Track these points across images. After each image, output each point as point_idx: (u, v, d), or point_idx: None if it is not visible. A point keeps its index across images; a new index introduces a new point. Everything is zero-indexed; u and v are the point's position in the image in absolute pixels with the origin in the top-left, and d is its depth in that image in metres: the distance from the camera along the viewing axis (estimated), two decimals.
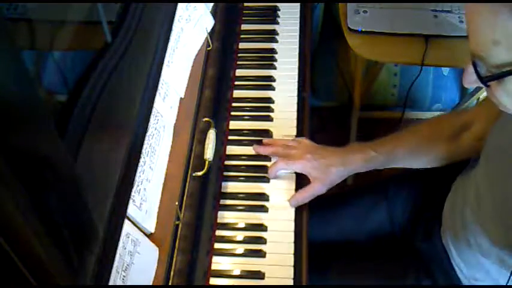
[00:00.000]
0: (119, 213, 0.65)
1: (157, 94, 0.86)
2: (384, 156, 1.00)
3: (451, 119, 1.01)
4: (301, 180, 1.02)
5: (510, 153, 0.84)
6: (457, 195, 1.02)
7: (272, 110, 1.12)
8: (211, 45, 1.12)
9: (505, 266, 0.89)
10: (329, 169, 0.99)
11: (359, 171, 1.01)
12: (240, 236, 0.96)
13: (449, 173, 1.09)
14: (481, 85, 0.70)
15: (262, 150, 1.04)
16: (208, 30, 1.12)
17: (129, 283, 0.73)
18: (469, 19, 0.66)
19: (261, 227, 0.97)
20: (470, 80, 0.71)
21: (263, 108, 1.12)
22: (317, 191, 1.00)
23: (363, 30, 1.39)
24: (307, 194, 0.99)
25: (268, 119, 1.11)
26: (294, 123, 1.10)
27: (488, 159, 0.90)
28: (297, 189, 1.01)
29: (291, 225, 0.97)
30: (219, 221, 0.97)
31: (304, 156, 1.00)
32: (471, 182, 0.96)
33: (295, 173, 1.03)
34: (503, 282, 0.93)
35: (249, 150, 1.06)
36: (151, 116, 0.84)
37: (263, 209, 0.99)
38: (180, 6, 1.01)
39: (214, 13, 1.16)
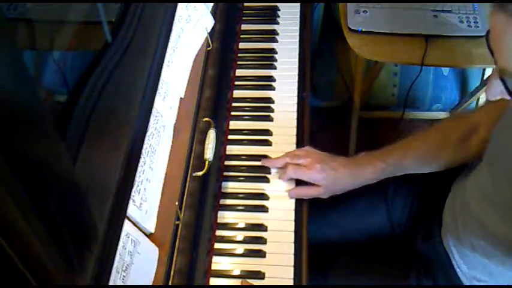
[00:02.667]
0: (119, 213, 0.65)
1: (157, 94, 0.86)
2: (393, 166, 1.00)
3: (459, 123, 1.01)
4: (301, 180, 1.02)
5: None
6: (456, 198, 1.02)
7: (272, 110, 1.12)
8: (211, 45, 1.12)
9: (510, 267, 0.89)
10: (338, 182, 1.00)
11: (368, 183, 1.02)
12: (240, 236, 0.96)
13: (449, 174, 1.09)
14: (506, 97, 0.71)
15: (271, 164, 1.03)
16: (208, 30, 1.12)
17: (129, 283, 0.73)
18: (499, 36, 0.66)
19: (261, 227, 0.97)
20: (495, 93, 0.72)
21: (263, 108, 1.12)
22: (319, 195, 1.01)
23: (363, 30, 1.39)
24: (309, 193, 1.00)
25: (268, 119, 1.11)
26: (294, 123, 1.10)
27: (493, 161, 0.90)
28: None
29: (291, 225, 0.97)
30: (219, 221, 0.97)
31: (314, 167, 1.00)
32: (473, 185, 0.96)
33: None
34: (506, 283, 0.92)
35: (249, 150, 1.06)
36: (151, 116, 0.84)
37: (263, 209, 0.99)
38: (180, 6, 1.01)
39: (214, 13, 1.16)
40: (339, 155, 1.03)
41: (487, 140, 0.97)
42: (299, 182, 1.02)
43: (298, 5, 1.29)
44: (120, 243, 0.70)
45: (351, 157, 1.04)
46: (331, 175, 1.00)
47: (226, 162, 1.05)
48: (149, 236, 0.81)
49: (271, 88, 1.16)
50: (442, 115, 1.88)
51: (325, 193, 1.01)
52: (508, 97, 0.71)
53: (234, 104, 1.13)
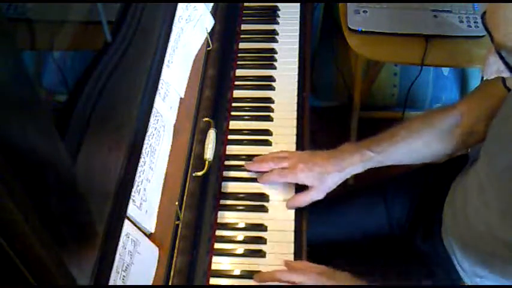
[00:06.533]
0: (119, 213, 0.65)
1: (157, 94, 0.86)
2: (380, 155, 0.99)
3: (442, 115, 1.01)
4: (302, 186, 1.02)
5: None
6: (457, 195, 1.02)
7: (272, 110, 1.12)
8: (211, 45, 1.12)
9: (510, 261, 0.89)
10: (324, 176, 0.98)
11: (356, 172, 1.00)
12: (240, 236, 0.96)
13: (448, 172, 1.09)
14: (504, 75, 0.72)
15: (255, 167, 1.02)
16: (208, 30, 1.12)
17: (129, 283, 0.73)
18: (495, 11, 0.67)
19: (261, 227, 0.97)
20: (492, 71, 0.72)
21: (263, 108, 1.12)
22: (314, 198, 0.99)
23: (363, 30, 1.39)
24: (304, 200, 0.99)
25: (268, 119, 1.11)
26: (294, 123, 1.10)
27: (491, 154, 0.91)
28: (296, 189, 1.01)
29: (291, 225, 0.97)
30: (219, 221, 0.97)
31: (297, 166, 0.98)
32: (472, 181, 0.96)
33: None
34: (508, 278, 0.93)
35: (249, 150, 1.06)
36: (151, 116, 0.84)
37: (263, 209, 0.99)
38: (180, 6, 1.01)
39: (214, 13, 1.16)
40: None
41: (469, 133, 0.98)
42: (299, 188, 1.02)
43: (298, 5, 1.29)
44: (120, 243, 0.70)
45: (335, 149, 1.02)
46: (315, 172, 0.98)
47: (226, 162, 1.05)
48: (149, 236, 0.81)
49: (271, 88, 1.16)
50: None
51: (318, 192, 0.99)
52: (505, 74, 0.71)
53: (234, 104, 1.13)
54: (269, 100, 1.13)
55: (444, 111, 1.01)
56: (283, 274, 0.89)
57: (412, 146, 1.01)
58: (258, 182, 1.01)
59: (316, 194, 0.99)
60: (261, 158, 1.03)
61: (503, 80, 0.74)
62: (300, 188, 1.01)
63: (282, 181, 1.00)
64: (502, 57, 0.70)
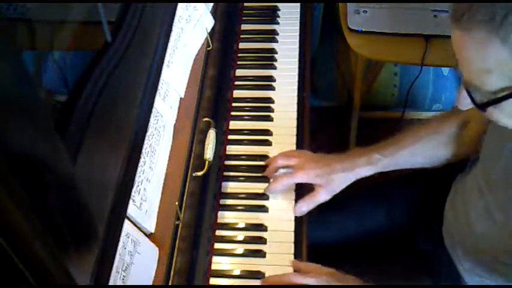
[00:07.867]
0: (119, 213, 0.65)
1: (157, 94, 0.86)
2: (388, 158, 1.00)
3: (451, 119, 1.01)
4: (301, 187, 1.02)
5: (506, 155, 0.84)
6: (457, 195, 1.02)
7: (272, 110, 1.12)
8: (211, 45, 1.12)
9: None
10: (331, 176, 0.98)
11: (364, 175, 1.00)
12: (240, 236, 0.96)
13: (449, 173, 1.09)
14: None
15: (267, 173, 1.02)
16: (208, 30, 1.12)
17: (129, 283, 0.73)
18: (458, 51, 0.68)
19: (261, 227, 0.97)
20: (465, 103, 0.73)
21: (263, 108, 1.12)
22: (321, 199, 0.99)
23: (363, 30, 1.38)
24: (312, 202, 0.98)
25: (268, 119, 1.11)
26: (294, 123, 1.10)
27: (486, 165, 0.91)
28: (296, 189, 1.01)
29: (291, 225, 0.97)
30: (219, 221, 0.97)
31: (307, 166, 0.98)
32: (472, 184, 0.96)
33: None
34: (510, 277, 0.93)
35: (249, 150, 1.07)
36: (151, 116, 0.84)
37: (263, 209, 0.99)
38: (180, 6, 1.01)
39: (214, 13, 1.16)
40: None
41: (476, 136, 0.98)
42: (298, 186, 1.02)
43: (298, 5, 1.29)
44: (120, 243, 0.70)
45: (344, 152, 1.02)
46: (324, 171, 0.98)
47: (226, 162, 1.05)
48: (149, 236, 0.81)
49: (271, 88, 1.16)
50: None
51: (325, 193, 0.98)
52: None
53: (234, 104, 1.13)
54: (269, 100, 1.13)
55: (451, 115, 1.02)
56: (295, 277, 0.88)
57: (417, 151, 1.01)
58: (260, 181, 1.01)
59: (323, 195, 0.98)
60: (270, 159, 1.03)
61: None
62: (299, 188, 1.01)
63: (292, 182, 1.00)
64: (469, 94, 0.71)
